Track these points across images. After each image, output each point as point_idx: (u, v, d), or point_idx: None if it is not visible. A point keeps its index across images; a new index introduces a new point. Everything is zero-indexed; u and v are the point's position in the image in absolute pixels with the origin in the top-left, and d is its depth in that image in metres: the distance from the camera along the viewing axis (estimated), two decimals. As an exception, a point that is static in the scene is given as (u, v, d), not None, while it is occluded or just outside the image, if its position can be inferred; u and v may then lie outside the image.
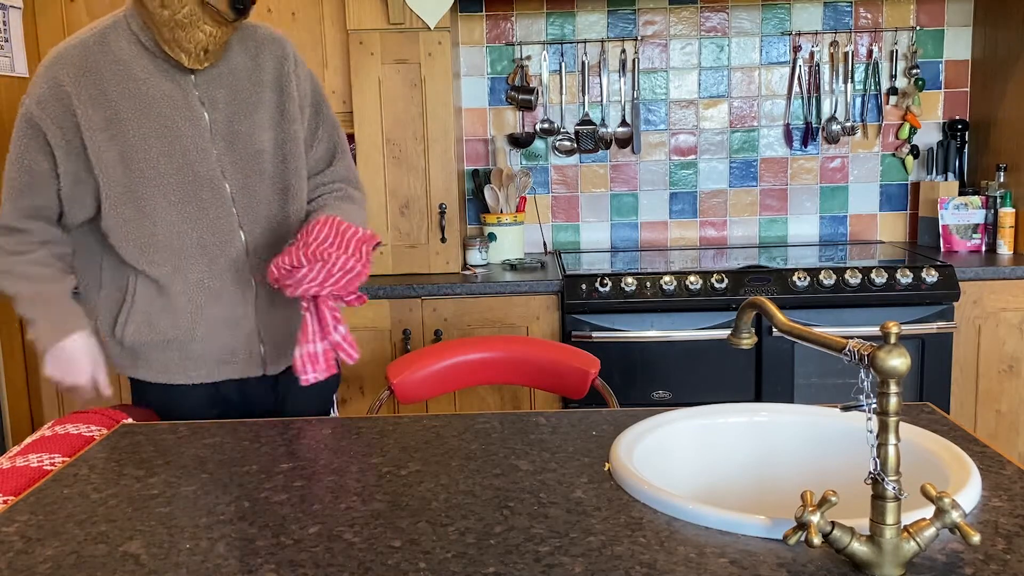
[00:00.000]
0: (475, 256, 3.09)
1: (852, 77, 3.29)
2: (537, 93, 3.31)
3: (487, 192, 3.19)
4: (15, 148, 1.64)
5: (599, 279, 2.73)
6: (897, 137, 3.35)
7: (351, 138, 3.10)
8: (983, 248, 3.09)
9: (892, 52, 3.29)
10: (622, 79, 3.33)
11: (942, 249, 3.11)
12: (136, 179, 1.63)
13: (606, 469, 1.26)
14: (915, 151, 3.34)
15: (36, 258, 1.69)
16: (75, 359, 1.67)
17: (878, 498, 0.94)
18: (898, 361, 0.92)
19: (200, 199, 1.66)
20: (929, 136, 3.35)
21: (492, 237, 3.15)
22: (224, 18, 1.57)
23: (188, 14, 1.55)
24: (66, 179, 1.64)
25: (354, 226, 1.61)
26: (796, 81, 3.31)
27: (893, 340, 0.92)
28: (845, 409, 0.99)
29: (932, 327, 2.70)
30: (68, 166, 1.63)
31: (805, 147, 3.36)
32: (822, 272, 2.72)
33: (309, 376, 1.61)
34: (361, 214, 1.80)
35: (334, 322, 1.61)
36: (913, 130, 3.32)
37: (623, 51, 3.31)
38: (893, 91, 3.32)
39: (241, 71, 1.69)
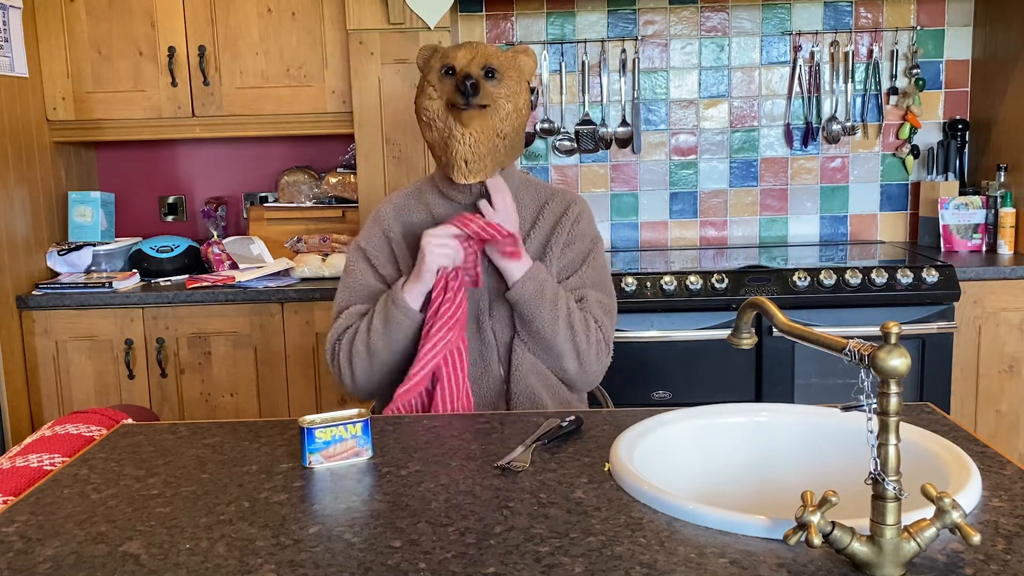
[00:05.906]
0: (475, 256, 3.09)
1: (852, 77, 3.29)
2: (537, 93, 3.31)
3: (487, 192, 3.19)
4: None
5: (599, 279, 2.73)
6: (897, 137, 3.35)
7: (351, 138, 3.10)
8: (983, 248, 3.09)
9: (892, 52, 3.29)
10: (622, 79, 3.33)
11: (942, 249, 3.11)
12: None
13: (606, 469, 1.26)
14: (915, 151, 3.34)
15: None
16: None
17: (878, 498, 0.94)
18: (898, 361, 0.92)
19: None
20: (929, 136, 3.35)
21: (492, 237, 3.15)
22: (458, 106, 1.74)
23: (442, 125, 1.76)
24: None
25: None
26: (796, 81, 3.31)
27: (893, 340, 0.92)
28: (845, 409, 0.99)
29: (932, 327, 2.70)
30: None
31: (805, 147, 3.36)
32: (822, 272, 2.72)
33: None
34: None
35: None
36: (913, 130, 3.31)
37: (623, 51, 3.31)
38: (893, 91, 3.32)
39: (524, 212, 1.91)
